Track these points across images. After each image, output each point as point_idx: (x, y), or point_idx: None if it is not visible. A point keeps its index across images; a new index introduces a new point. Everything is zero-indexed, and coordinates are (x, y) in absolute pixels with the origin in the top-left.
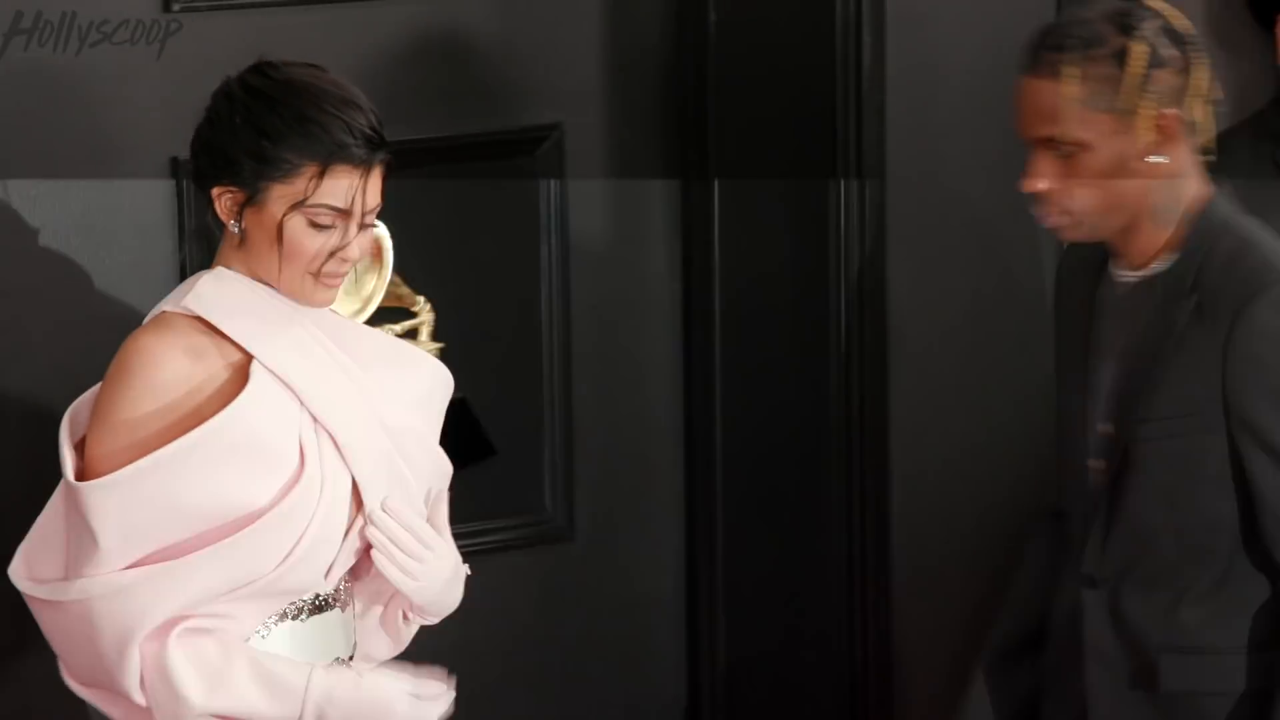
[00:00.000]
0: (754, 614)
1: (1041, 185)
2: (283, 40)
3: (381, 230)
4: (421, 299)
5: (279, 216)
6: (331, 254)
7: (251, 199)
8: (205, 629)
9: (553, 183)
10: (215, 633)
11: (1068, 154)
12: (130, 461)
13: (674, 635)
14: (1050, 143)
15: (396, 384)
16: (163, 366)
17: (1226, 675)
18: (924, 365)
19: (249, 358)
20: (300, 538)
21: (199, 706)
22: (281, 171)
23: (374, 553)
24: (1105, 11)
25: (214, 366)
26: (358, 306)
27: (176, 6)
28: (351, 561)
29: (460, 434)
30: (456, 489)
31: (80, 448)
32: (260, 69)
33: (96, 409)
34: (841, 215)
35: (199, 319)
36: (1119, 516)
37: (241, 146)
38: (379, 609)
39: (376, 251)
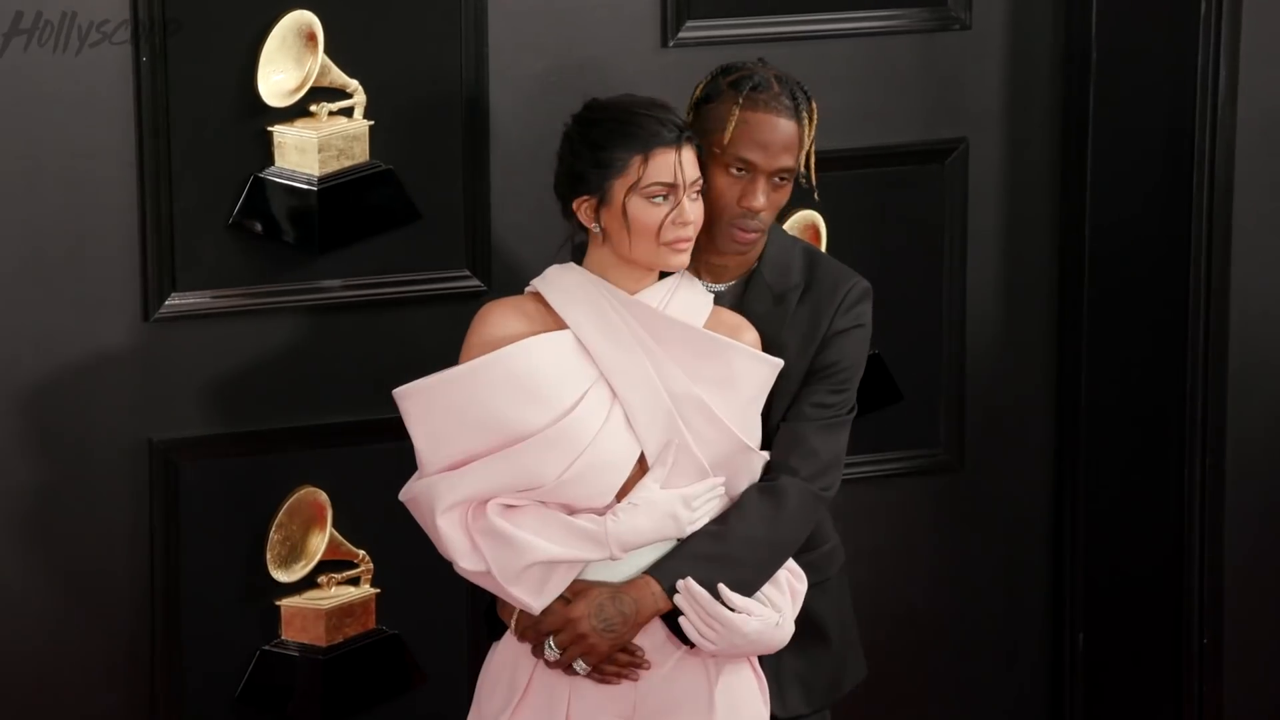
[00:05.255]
0: (1113, 536)
1: (761, 203)
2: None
3: (817, 217)
4: None
5: (622, 202)
6: (667, 219)
7: (602, 199)
8: (516, 504)
9: (956, 185)
10: (526, 507)
11: (780, 182)
12: None
13: (1042, 552)
14: (779, 171)
15: (691, 362)
16: (494, 322)
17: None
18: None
19: (564, 326)
20: (572, 463)
21: (536, 554)
22: (617, 168)
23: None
24: (781, 72)
25: (536, 328)
26: None
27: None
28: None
29: (875, 383)
30: (873, 424)
31: None
32: (586, 106)
33: None
34: (1195, 216)
35: (539, 295)
36: None
37: (585, 163)
38: None
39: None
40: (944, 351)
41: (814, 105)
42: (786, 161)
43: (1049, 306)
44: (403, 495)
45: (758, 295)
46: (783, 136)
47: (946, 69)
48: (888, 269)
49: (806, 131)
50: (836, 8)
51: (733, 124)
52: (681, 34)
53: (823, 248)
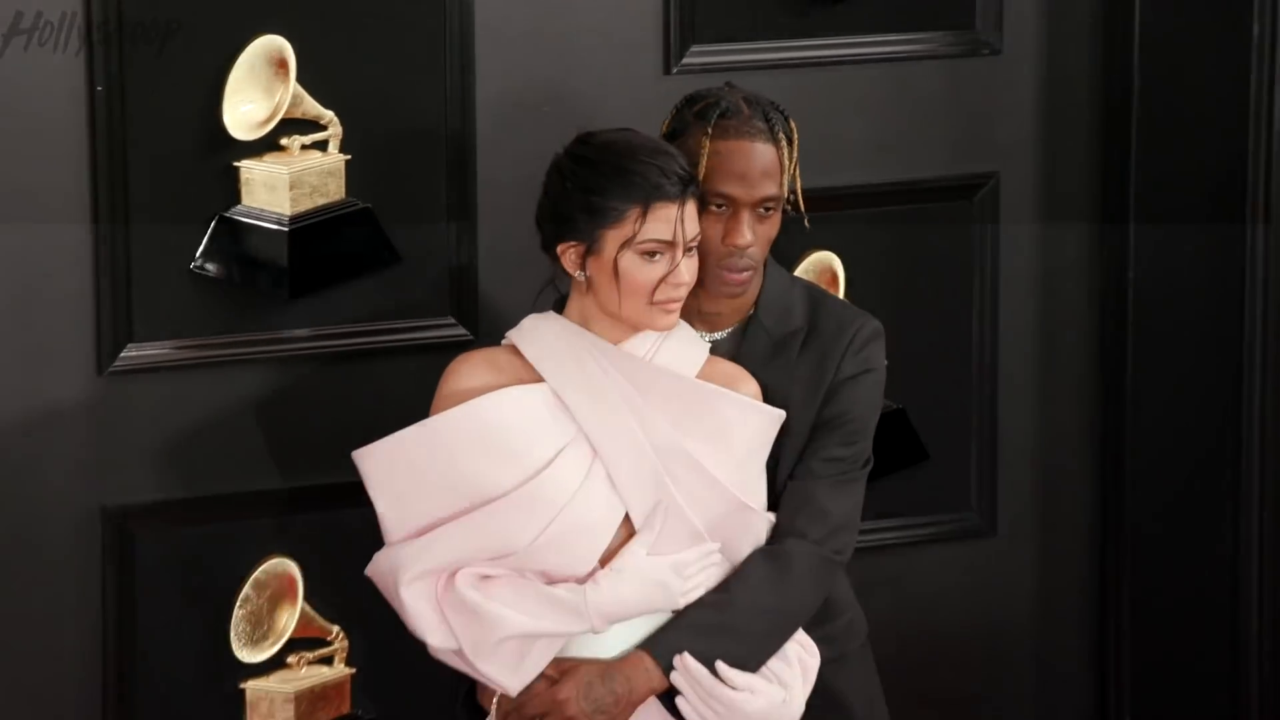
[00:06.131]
0: (1159, 609)
1: (749, 239)
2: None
3: (834, 259)
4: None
5: (614, 257)
6: (662, 280)
7: (590, 248)
8: (490, 574)
9: (986, 223)
10: (500, 576)
11: (766, 213)
12: None
13: (1082, 623)
14: (763, 202)
15: (680, 415)
16: (462, 375)
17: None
18: None
19: (541, 380)
20: (546, 526)
21: (509, 628)
22: (611, 218)
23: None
24: (750, 94)
25: (507, 381)
26: None
27: None
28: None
29: (899, 440)
30: (897, 486)
31: None
32: (580, 139)
33: None
34: (1249, 257)
35: (515, 348)
36: None
37: (575, 206)
38: None
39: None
40: (974, 405)
41: (792, 124)
42: (769, 190)
43: (1089, 356)
44: (369, 570)
45: (756, 342)
46: (761, 163)
47: (975, 97)
48: (912, 315)
49: (787, 154)
50: (855, 31)
51: (705, 157)
52: (686, 60)
53: (840, 293)
